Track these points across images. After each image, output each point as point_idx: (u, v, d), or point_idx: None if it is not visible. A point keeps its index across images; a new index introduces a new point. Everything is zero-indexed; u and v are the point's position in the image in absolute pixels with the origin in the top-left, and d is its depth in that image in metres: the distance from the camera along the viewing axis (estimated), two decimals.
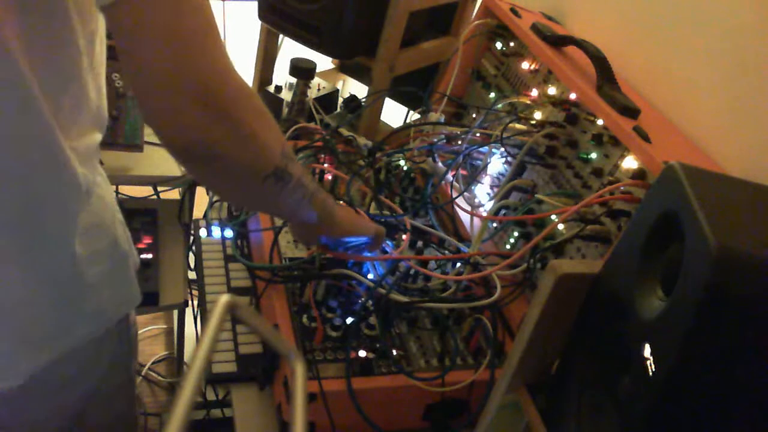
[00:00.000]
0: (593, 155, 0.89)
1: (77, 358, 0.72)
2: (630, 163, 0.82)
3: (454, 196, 1.07)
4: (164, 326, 1.97)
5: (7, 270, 0.62)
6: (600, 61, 0.90)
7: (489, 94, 1.19)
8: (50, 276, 0.66)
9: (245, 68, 1.56)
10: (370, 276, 0.90)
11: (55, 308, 0.68)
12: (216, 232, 1.07)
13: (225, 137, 0.56)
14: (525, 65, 1.09)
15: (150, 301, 1.15)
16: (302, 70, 1.30)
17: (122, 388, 0.91)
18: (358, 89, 1.71)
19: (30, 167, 0.59)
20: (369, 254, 0.89)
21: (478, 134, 1.06)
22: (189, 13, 0.52)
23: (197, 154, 0.57)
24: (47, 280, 0.66)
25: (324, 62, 1.56)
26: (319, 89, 1.42)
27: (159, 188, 1.30)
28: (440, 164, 1.09)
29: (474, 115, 1.22)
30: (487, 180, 1.10)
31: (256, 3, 1.35)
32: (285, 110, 1.41)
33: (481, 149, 1.06)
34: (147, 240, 1.23)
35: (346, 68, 1.68)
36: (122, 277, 0.78)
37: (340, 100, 1.46)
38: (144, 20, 0.51)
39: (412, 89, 1.22)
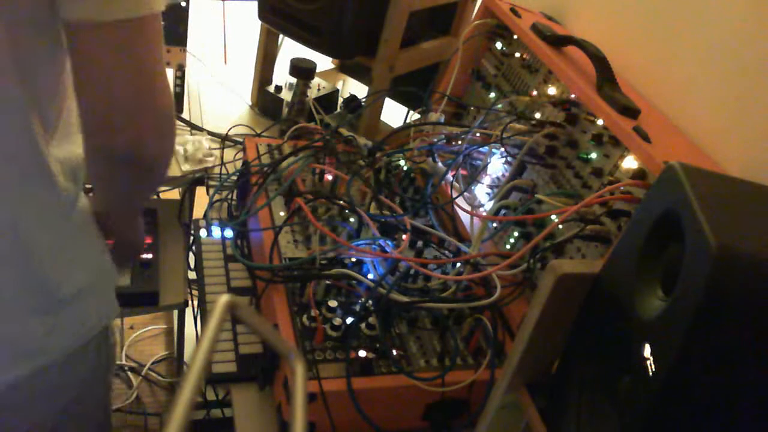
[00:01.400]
0: (593, 155, 0.89)
1: (56, 370, 0.71)
2: (630, 163, 0.82)
3: (454, 196, 1.07)
4: (164, 326, 1.97)
5: None
6: (600, 61, 0.90)
7: (489, 94, 1.19)
8: (23, 288, 0.65)
9: (245, 68, 1.56)
10: (370, 276, 0.90)
11: (29, 321, 0.67)
12: (216, 232, 1.08)
13: (163, 151, 0.65)
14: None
15: (150, 301, 1.15)
16: (302, 70, 1.31)
17: (99, 398, 0.89)
18: (358, 89, 1.71)
19: (15, 181, 0.60)
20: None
21: (478, 134, 1.06)
22: (153, 47, 0.58)
23: (132, 162, 0.63)
24: (20, 292, 0.65)
25: (324, 62, 1.57)
26: (319, 89, 1.42)
27: (159, 188, 1.30)
28: (440, 164, 1.09)
29: (474, 116, 1.22)
30: (487, 180, 1.10)
31: (256, 3, 1.35)
32: (285, 110, 1.41)
33: (481, 149, 1.06)
34: (147, 240, 1.23)
35: (346, 68, 1.68)
36: (105, 289, 0.77)
37: (340, 100, 1.46)
38: (111, 49, 0.55)
39: (412, 89, 1.22)
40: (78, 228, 0.71)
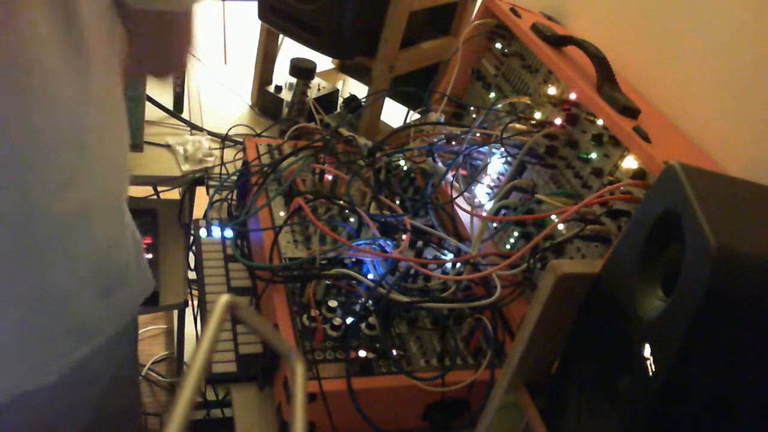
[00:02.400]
0: (593, 155, 0.89)
1: (103, 350, 0.74)
2: (630, 163, 0.82)
3: (454, 196, 1.07)
4: (164, 326, 1.97)
5: (57, 261, 0.64)
6: (600, 61, 0.90)
7: (489, 94, 1.19)
8: (93, 264, 0.69)
9: (245, 68, 1.56)
10: (370, 276, 0.90)
11: (95, 296, 0.71)
12: (216, 232, 1.08)
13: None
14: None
15: (150, 301, 1.14)
16: (302, 70, 1.30)
17: (131, 380, 0.94)
18: (358, 89, 1.71)
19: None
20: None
21: (478, 134, 1.06)
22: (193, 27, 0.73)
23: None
24: (90, 268, 0.69)
25: (324, 62, 1.57)
26: (319, 89, 1.42)
27: (159, 188, 1.30)
28: (440, 164, 1.09)
29: (474, 116, 1.22)
30: (487, 180, 1.10)
31: (256, 3, 1.35)
32: (285, 110, 1.41)
33: (481, 149, 1.06)
34: (147, 240, 1.23)
35: (346, 68, 1.68)
36: (141, 263, 0.81)
37: (340, 100, 1.46)
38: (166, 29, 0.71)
39: (412, 89, 1.22)
40: (122, 202, 0.76)
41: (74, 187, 0.63)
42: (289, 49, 1.46)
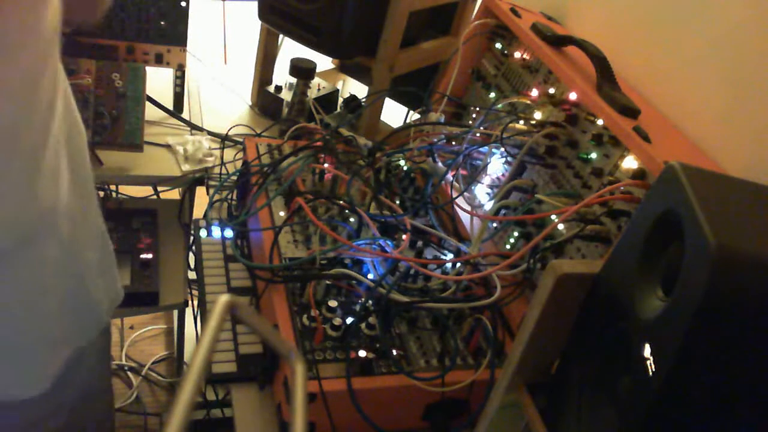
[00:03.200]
0: (593, 155, 0.89)
1: (70, 362, 0.73)
2: (630, 163, 0.82)
3: (454, 196, 1.07)
4: (164, 326, 1.97)
5: (24, 267, 0.63)
6: (600, 61, 0.90)
7: (489, 94, 1.19)
8: (58, 271, 0.67)
9: (245, 68, 1.56)
10: (370, 276, 0.90)
11: (68, 303, 0.70)
12: (216, 232, 1.08)
13: None
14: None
15: (150, 301, 1.15)
16: (302, 70, 1.31)
17: (102, 391, 0.93)
18: (358, 89, 1.71)
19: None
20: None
21: (478, 134, 1.06)
22: None
23: None
24: (55, 275, 0.67)
25: (324, 62, 1.57)
26: (319, 89, 1.42)
27: (159, 188, 1.30)
28: (440, 164, 1.09)
29: (474, 115, 1.22)
30: (487, 180, 1.10)
31: (256, 3, 1.35)
32: (285, 110, 1.41)
33: (481, 149, 1.06)
34: (147, 240, 1.23)
35: (346, 68, 1.68)
36: (111, 268, 0.80)
37: (340, 100, 1.46)
38: None
39: (412, 89, 1.22)
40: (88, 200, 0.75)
41: (36, 189, 0.60)
42: (289, 49, 1.46)
